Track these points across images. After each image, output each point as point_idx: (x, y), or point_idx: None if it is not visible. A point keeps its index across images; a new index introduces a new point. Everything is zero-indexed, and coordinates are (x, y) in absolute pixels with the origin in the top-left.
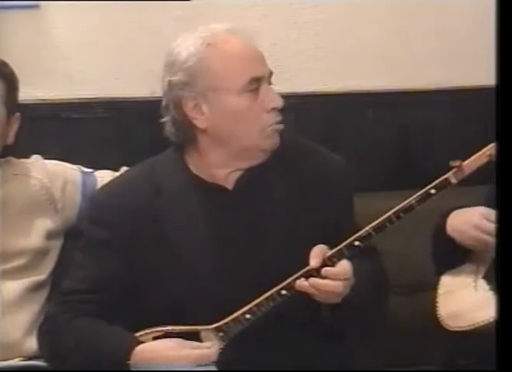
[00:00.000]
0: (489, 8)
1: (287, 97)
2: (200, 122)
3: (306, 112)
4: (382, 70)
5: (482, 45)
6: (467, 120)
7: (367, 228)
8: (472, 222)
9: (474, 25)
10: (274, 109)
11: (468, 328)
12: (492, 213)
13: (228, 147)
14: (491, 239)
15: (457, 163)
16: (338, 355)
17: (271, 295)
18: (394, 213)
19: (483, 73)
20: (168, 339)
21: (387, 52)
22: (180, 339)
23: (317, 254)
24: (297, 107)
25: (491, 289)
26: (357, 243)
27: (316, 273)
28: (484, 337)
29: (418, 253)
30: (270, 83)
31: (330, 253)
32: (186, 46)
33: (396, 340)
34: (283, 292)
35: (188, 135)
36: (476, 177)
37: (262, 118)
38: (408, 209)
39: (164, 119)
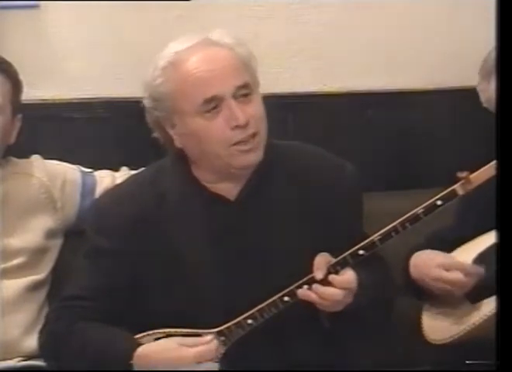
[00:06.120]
0: (490, 8)
1: (287, 97)
2: (177, 142)
3: (306, 112)
4: (381, 70)
5: (482, 45)
6: (467, 120)
7: (372, 237)
8: (430, 274)
9: (474, 25)
10: (237, 127)
11: (445, 341)
12: (449, 262)
13: (205, 166)
14: (453, 288)
15: (464, 174)
16: (337, 356)
17: (273, 301)
18: (400, 223)
19: None
20: (167, 339)
21: (387, 52)
22: (179, 338)
23: (321, 264)
24: (297, 107)
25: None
26: (361, 252)
27: (319, 280)
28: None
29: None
30: (247, 94)
31: (334, 261)
32: (153, 66)
33: (396, 340)
34: (286, 299)
35: (176, 151)
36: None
37: (225, 137)
38: (414, 219)
39: (154, 134)
